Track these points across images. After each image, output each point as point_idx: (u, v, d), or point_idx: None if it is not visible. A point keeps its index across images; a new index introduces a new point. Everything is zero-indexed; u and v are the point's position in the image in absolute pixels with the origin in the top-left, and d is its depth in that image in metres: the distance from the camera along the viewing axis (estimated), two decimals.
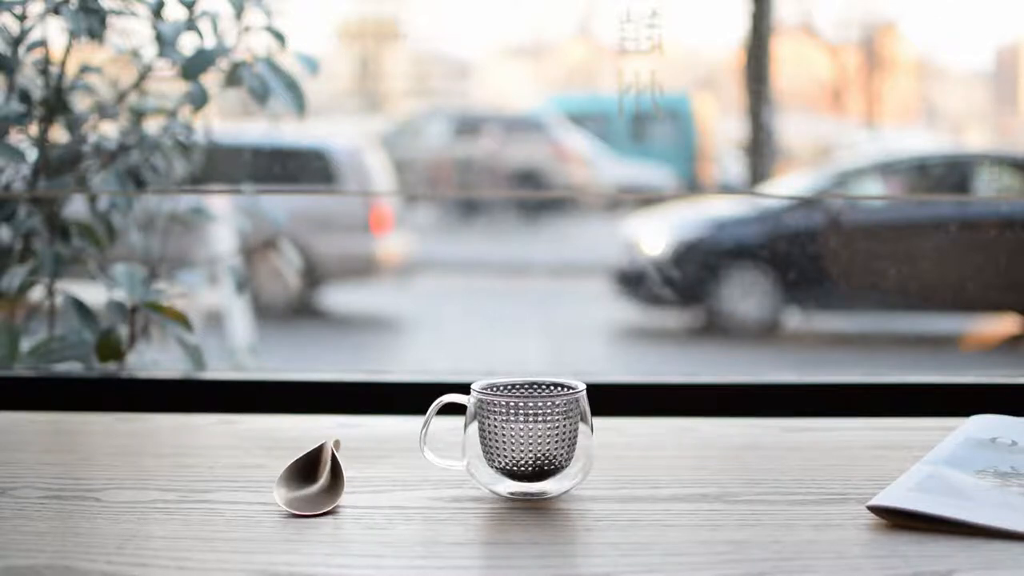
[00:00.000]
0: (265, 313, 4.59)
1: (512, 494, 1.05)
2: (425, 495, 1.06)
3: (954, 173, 5.34)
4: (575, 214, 8.08)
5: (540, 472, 1.03)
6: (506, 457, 1.03)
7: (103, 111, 1.72)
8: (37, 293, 1.69)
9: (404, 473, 1.12)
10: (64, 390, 1.50)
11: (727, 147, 7.91)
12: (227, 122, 2.08)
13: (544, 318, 5.94)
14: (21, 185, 1.67)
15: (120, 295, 1.54)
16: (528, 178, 8.12)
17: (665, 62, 1.52)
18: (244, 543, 0.94)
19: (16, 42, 1.60)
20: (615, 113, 1.55)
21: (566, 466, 1.05)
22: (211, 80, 1.64)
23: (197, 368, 1.60)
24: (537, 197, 7.77)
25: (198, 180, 1.88)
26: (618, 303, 5.82)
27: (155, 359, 1.66)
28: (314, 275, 5.72)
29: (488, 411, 1.03)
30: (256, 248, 2.75)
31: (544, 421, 1.02)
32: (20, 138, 1.65)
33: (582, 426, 1.05)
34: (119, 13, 1.61)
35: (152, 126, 1.75)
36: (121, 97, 1.73)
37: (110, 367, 1.57)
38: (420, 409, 1.09)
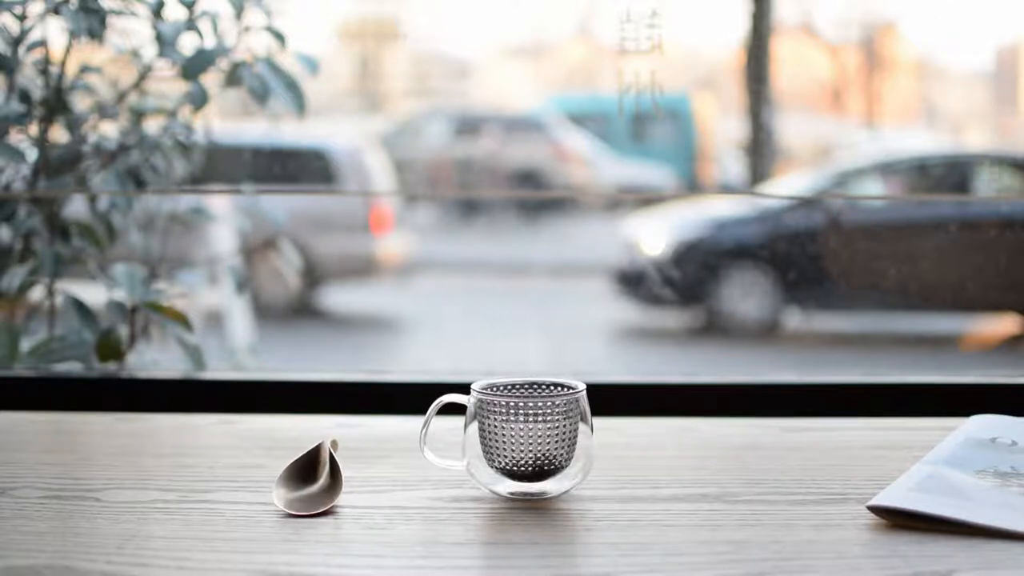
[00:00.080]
0: (265, 313, 4.59)
1: (512, 494, 1.05)
2: (425, 495, 1.06)
3: (954, 173, 5.35)
4: (575, 214, 8.08)
5: (540, 472, 1.03)
6: (506, 457, 1.03)
7: (103, 111, 1.72)
8: (37, 293, 1.69)
9: (404, 473, 1.12)
10: (64, 390, 1.50)
11: (727, 147, 7.91)
12: (227, 122, 2.08)
13: (544, 318, 5.94)
14: (21, 185, 1.67)
15: (120, 295, 1.54)
16: (528, 178, 8.12)
17: (665, 62, 1.52)
18: (244, 543, 0.94)
19: (16, 42, 1.60)
20: (615, 113, 1.55)
21: (566, 466, 1.05)
22: (211, 80, 1.64)
23: (197, 368, 1.60)
24: (537, 197, 7.78)
25: (198, 180, 1.88)
26: (618, 303, 5.82)
27: (155, 359, 1.66)
28: (314, 275, 5.72)
29: (488, 411, 1.03)
30: (256, 248, 2.75)
31: (544, 421, 1.02)
32: (20, 138, 1.65)
33: (582, 426, 1.05)
34: (119, 13, 1.61)
35: (152, 126, 1.75)
36: (121, 97, 1.73)
37: (110, 367, 1.57)
38: (420, 409, 1.09)
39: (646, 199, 6.36)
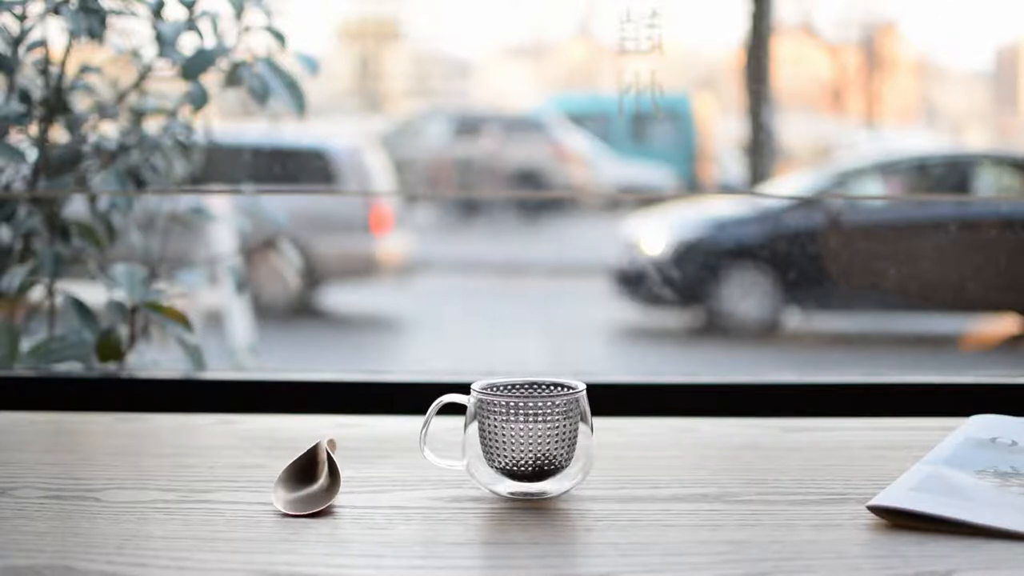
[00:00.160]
0: (265, 313, 4.59)
1: (512, 494, 1.05)
2: (425, 495, 1.06)
3: (954, 173, 5.35)
4: (575, 214, 8.08)
5: (540, 472, 1.03)
6: (506, 457, 1.03)
7: (103, 111, 1.72)
8: (37, 293, 1.69)
9: (404, 473, 1.12)
10: (64, 390, 1.50)
11: (727, 147, 7.91)
12: (227, 122, 2.07)
13: (544, 318, 5.94)
14: (21, 185, 1.67)
15: (120, 295, 1.54)
16: (528, 178, 8.13)
17: (665, 62, 1.52)
18: (244, 543, 0.94)
19: (16, 42, 1.60)
20: (615, 113, 1.55)
21: (566, 466, 1.05)
22: (211, 80, 1.64)
23: (197, 368, 1.60)
24: (537, 197, 7.78)
25: (198, 180, 1.88)
26: (618, 303, 5.82)
27: (155, 359, 1.66)
28: (314, 275, 5.73)
29: (488, 411, 1.03)
30: (256, 248, 2.75)
31: (544, 421, 1.02)
32: (20, 138, 1.65)
33: (582, 426, 1.05)
34: (119, 13, 1.61)
35: (152, 126, 1.75)
36: (121, 97, 1.73)
37: (110, 367, 1.57)
38: (420, 409, 1.09)
39: (646, 199, 6.36)
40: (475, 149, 8.08)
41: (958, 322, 4.82)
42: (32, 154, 1.66)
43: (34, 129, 1.66)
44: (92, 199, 1.69)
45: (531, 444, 1.02)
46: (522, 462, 1.03)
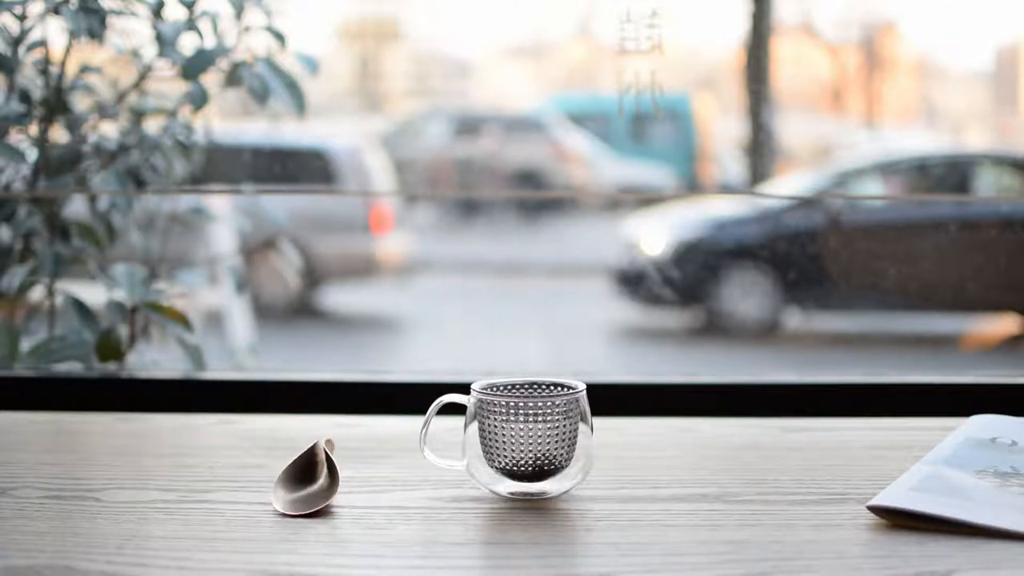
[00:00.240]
0: (265, 313, 4.59)
1: (512, 494, 1.05)
2: (425, 495, 1.06)
3: (954, 173, 5.35)
4: (575, 214, 8.08)
5: (540, 472, 1.03)
6: (506, 457, 1.03)
7: (103, 111, 1.72)
8: (37, 293, 1.69)
9: (404, 473, 1.12)
10: (64, 390, 1.50)
11: (727, 147, 7.91)
12: (227, 122, 2.08)
13: (544, 318, 5.95)
14: (21, 185, 1.67)
15: (120, 295, 1.54)
16: (528, 178, 8.13)
17: (665, 62, 1.52)
18: (244, 543, 0.94)
19: (16, 42, 1.60)
20: (615, 113, 1.55)
21: (566, 466, 1.05)
22: (211, 80, 1.64)
23: (197, 368, 1.60)
24: (537, 197, 7.78)
25: (198, 180, 1.88)
26: (618, 303, 5.82)
27: (155, 359, 1.66)
28: (314, 275, 5.73)
29: (488, 411, 1.03)
30: (256, 248, 2.75)
31: (544, 421, 1.02)
32: (20, 138, 1.65)
33: (582, 426, 1.05)
34: (119, 13, 1.61)
35: (152, 126, 1.75)
36: (121, 97, 1.73)
37: (110, 367, 1.57)
38: (420, 409, 1.09)
39: (646, 199, 6.36)
40: (475, 149, 8.08)
41: (958, 322, 4.82)
42: (32, 154, 1.66)
43: (34, 129, 1.66)
44: (92, 199, 1.69)
45: (531, 444, 1.02)
46: (522, 462, 1.03)
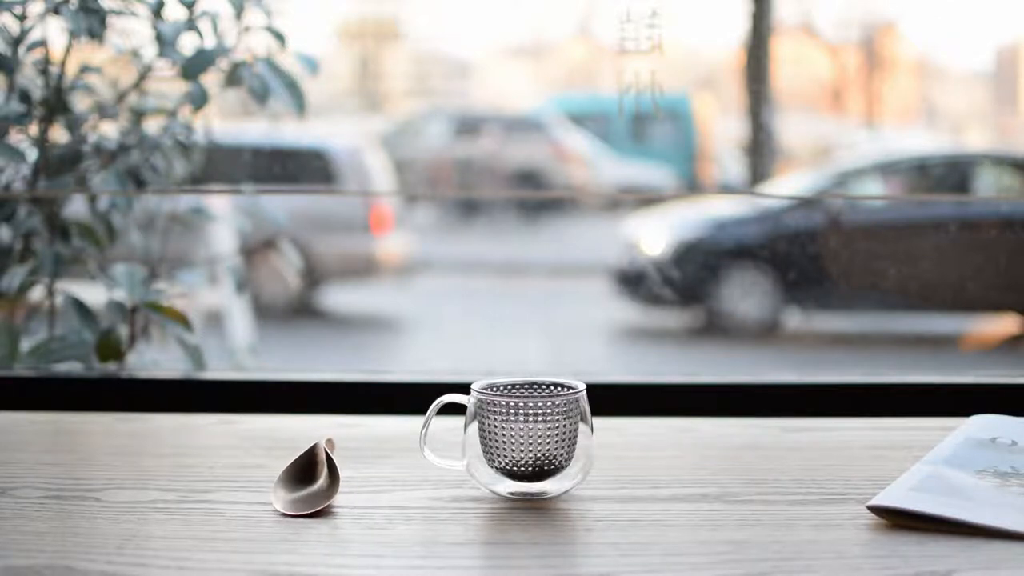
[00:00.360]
0: (265, 313, 4.59)
1: (512, 494, 1.05)
2: (425, 495, 1.06)
3: (954, 173, 5.35)
4: (575, 214, 8.08)
5: (540, 472, 1.03)
6: (506, 457, 1.03)
7: (103, 111, 1.72)
8: (37, 293, 1.69)
9: (404, 473, 1.12)
10: (64, 390, 1.50)
11: (727, 147, 7.92)
12: (227, 122, 2.08)
13: (544, 318, 5.95)
14: (21, 185, 1.67)
15: (120, 295, 1.54)
16: (528, 178, 8.13)
17: (665, 62, 1.52)
18: (244, 543, 0.94)
19: (16, 42, 1.60)
20: (615, 113, 1.55)
21: (566, 466, 1.05)
22: (211, 80, 1.64)
23: (197, 368, 1.60)
24: (537, 197, 7.78)
25: (198, 180, 1.88)
26: (618, 303, 5.82)
27: (155, 359, 1.66)
28: (314, 275, 5.73)
29: (488, 411, 1.03)
30: (256, 248, 2.75)
31: (544, 421, 1.02)
32: (20, 138, 1.65)
33: (582, 426, 1.05)
34: (119, 13, 1.61)
35: (152, 126, 1.75)
36: (121, 97, 1.73)
37: (110, 367, 1.57)
38: (420, 409, 1.09)
39: (646, 199, 6.36)
40: (475, 149, 8.08)
41: (958, 322, 4.82)
42: (32, 154, 1.66)
43: (34, 129, 1.66)
44: (92, 199, 1.69)
45: (531, 444, 1.02)
46: (522, 462, 1.03)
